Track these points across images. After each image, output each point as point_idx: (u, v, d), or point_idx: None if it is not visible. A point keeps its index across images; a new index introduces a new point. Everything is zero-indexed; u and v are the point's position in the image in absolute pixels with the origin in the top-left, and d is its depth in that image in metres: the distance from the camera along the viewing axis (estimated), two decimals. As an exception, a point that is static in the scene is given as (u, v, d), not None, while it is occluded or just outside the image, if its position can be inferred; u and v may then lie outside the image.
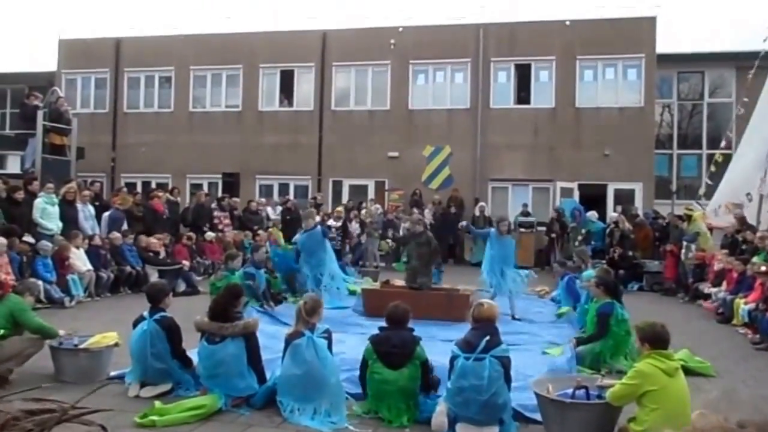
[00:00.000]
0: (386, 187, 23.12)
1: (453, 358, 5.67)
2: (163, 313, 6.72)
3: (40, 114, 16.22)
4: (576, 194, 21.39)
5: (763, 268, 10.75)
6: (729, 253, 13.54)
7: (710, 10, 49.40)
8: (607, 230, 17.64)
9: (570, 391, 5.64)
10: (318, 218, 18.63)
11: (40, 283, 10.06)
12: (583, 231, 17.15)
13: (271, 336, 7.85)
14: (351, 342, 8.11)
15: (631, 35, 21.77)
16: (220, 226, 17.62)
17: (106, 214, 14.73)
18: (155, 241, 14.41)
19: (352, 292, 13.51)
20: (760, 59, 18.17)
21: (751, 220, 15.24)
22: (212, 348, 6.27)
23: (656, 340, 5.26)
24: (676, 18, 48.56)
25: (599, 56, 22.13)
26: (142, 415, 5.68)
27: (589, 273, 10.90)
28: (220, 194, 20.79)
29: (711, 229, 15.85)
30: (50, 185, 13.18)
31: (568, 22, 22.35)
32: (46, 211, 12.70)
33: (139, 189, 21.06)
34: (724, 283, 12.66)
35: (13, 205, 12.06)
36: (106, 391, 6.55)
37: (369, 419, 5.97)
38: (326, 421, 5.79)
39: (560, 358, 8.08)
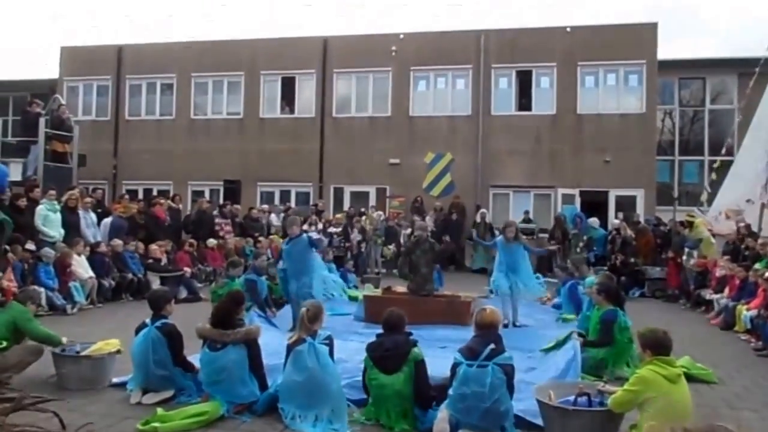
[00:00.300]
0: (387, 194, 23.13)
1: (455, 365, 5.67)
2: (165, 320, 6.72)
3: (42, 121, 16.27)
4: (577, 201, 21.41)
5: (767, 275, 10.75)
6: (731, 259, 13.54)
7: (712, 15, 49.49)
8: (609, 237, 17.64)
9: (572, 398, 5.63)
10: (320, 225, 18.89)
11: (41, 290, 10.07)
12: (585, 238, 17.15)
13: (271, 343, 7.83)
14: (351, 349, 8.09)
15: (632, 41, 21.80)
16: (222, 233, 17.61)
17: (107, 220, 14.74)
18: (157, 248, 14.42)
19: (353, 299, 13.52)
20: (761, 65, 18.19)
21: (752, 226, 15.27)
22: (214, 355, 6.27)
23: (658, 346, 5.24)
24: (678, 23, 48.63)
25: (600, 62, 22.16)
26: (144, 422, 5.67)
27: (591, 280, 10.88)
28: (221, 201, 20.80)
29: (714, 235, 15.85)
30: (52, 192, 13.19)
31: (568, 29, 22.41)
32: (48, 219, 12.70)
33: (140, 196, 21.07)
34: (726, 290, 12.65)
35: (16, 213, 12.06)
36: (108, 397, 6.58)
37: (370, 426, 5.96)
38: (328, 428, 5.77)
39: (561, 358, 8.05)
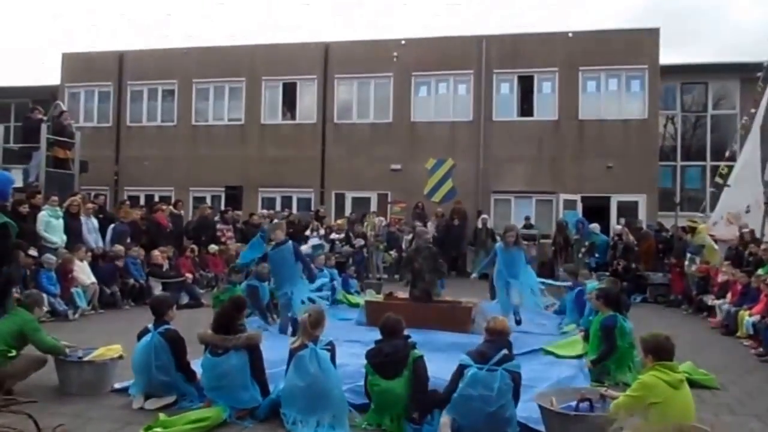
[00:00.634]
0: (389, 200, 23.12)
1: (462, 368, 5.68)
2: (167, 326, 6.73)
3: (43, 128, 16.29)
4: (579, 206, 21.38)
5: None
6: (733, 264, 13.53)
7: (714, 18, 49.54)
8: (611, 242, 17.63)
9: (574, 403, 5.63)
10: (321, 231, 18.89)
11: (44, 295, 10.06)
12: (587, 243, 17.14)
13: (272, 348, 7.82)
14: (353, 353, 8.07)
15: (634, 46, 21.81)
16: (223, 239, 17.62)
17: (112, 226, 14.75)
18: (159, 254, 14.43)
19: (354, 305, 13.52)
20: (766, 71, 18.18)
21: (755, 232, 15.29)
22: (216, 360, 6.28)
23: (660, 351, 5.22)
24: (680, 28, 48.68)
25: (602, 68, 22.18)
26: (146, 427, 5.66)
27: (593, 285, 10.90)
28: (223, 207, 20.82)
29: (716, 241, 15.83)
30: (54, 198, 13.19)
31: (570, 34, 22.42)
32: (51, 225, 12.70)
33: (142, 202, 21.09)
34: (729, 295, 12.63)
35: (18, 219, 12.05)
36: (111, 403, 6.58)
37: (372, 431, 5.97)
38: (330, 432, 5.79)
39: (567, 369, 8.06)
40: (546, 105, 22.62)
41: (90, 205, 14.62)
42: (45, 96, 24.29)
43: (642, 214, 21.10)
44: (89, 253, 13.15)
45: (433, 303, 11.20)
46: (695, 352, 9.06)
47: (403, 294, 12.19)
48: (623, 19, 55.99)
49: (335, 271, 15.52)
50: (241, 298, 7.20)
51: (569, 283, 12.41)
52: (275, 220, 15.68)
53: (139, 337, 6.74)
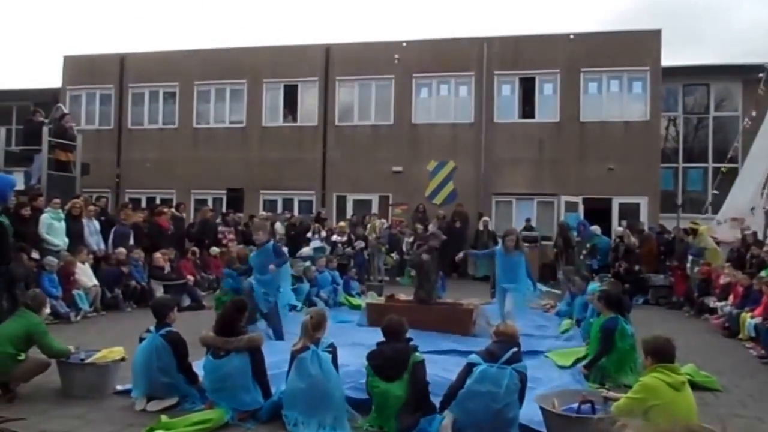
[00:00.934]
0: (390, 202, 23.11)
1: (471, 365, 5.70)
2: (168, 328, 6.74)
3: (45, 130, 16.30)
4: (581, 208, 21.36)
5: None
6: (735, 267, 13.53)
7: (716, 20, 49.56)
8: (612, 244, 17.62)
9: (575, 405, 5.63)
10: (323, 233, 18.89)
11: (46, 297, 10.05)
12: (588, 245, 17.13)
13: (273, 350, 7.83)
14: (355, 353, 8.07)
15: (635, 48, 21.79)
16: (225, 241, 17.63)
17: (114, 229, 14.75)
18: (160, 257, 14.44)
19: (356, 307, 13.54)
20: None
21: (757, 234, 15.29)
22: (217, 362, 6.29)
23: (660, 353, 5.22)
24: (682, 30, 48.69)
25: (604, 69, 22.15)
26: (148, 429, 5.67)
27: (594, 287, 10.89)
28: (224, 209, 20.82)
29: (718, 243, 15.83)
30: (57, 201, 13.20)
31: (572, 36, 22.41)
32: (53, 227, 12.70)
33: (143, 204, 21.10)
34: (731, 297, 12.63)
35: (20, 222, 12.07)
36: (113, 404, 6.59)
37: (373, 432, 5.98)
38: (330, 434, 5.80)
39: (566, 374, 8.07)
40: (547, 107, 22.60)
41: (92, 208, 14.62)
42: (46, 98, 24.29)
43: (644, 216, 21.04)
44: (91, 256, 13.17)
45: (434, 305, 11.21)
46: (697, 354, 9.04)
47: (404, 296, 12.22)
48: (625, 21, 56.01)
49: (337, 273, 15.54)
50: (242, 301, 7.21)
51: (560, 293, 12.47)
52: (255, 219, 15.43)
53: (141, 339, 6.74)
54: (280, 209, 23.20)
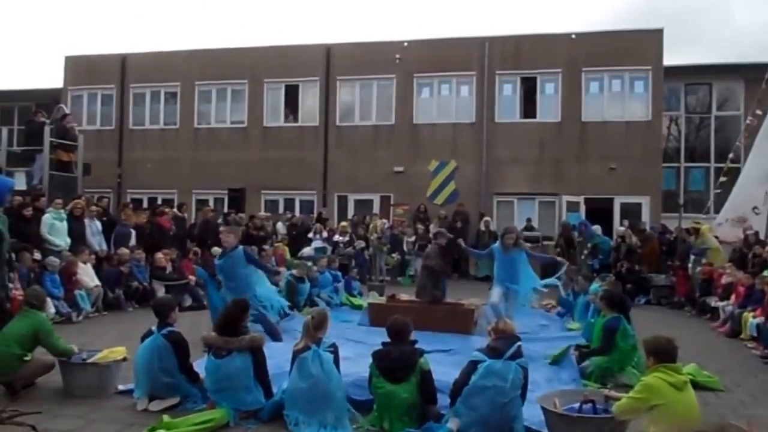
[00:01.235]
0: (392, 202, 23.11)
1: (475, 363, 5.71)
2: (170, 328, 6.74)
3: (46, 131, 16.30)
4: (582, 208, 21.35)
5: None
6: (737, 266, 13.51)
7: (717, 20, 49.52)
8: (614, 244, 17.61)
9: (577, 405, 5.62)
10: (324, 234, 18.88)
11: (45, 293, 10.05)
12: (589, 245, 17.11)
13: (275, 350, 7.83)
14: (357, 352, 8.08)
15: (637, 48, 21.77)
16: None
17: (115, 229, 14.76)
18: (162, 257, 14.44)
19: (357, 307, 13.54)
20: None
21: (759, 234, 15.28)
22: (219, 362, 6.29)
23: (662, 353, 5.21)
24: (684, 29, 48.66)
25: (605, 69, 22.13)
26: (150, 429, 5.67)
27: (596, 287, 10.88)
28: (226, 210, 20.81)
29: (720, 242, 15.81)
30: (59, 201, 13.20)
31: (573, 35, 22.39)
32: (55, 227, 12.71)
33: (145, 205, 21.09)
34: (732, 297, 12.61)
35: (22, 222, 12.08)
36: (115, 404, 6.59)
37: (374, 432, 5.99)
38: (332, 434, 5.80)
39: (562, 368, 8.07)
40: (549, 106, 22.59)
41: (93, 208, 14.62)
42: (48, 99, 24.34)
43: (645, 216, 21.02)
44: (93, 256, 13.17)
45: (435, 304, 11.21)
46: (699, 354, 9.03)
47: (405, 296, 12.22)
48: (627, 20, 55.98)
49: (339, 273, 15.53)
50: (244, 301, 7.20)
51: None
52: (224, 224, 15.09)
53: (143, 339, 6.75)
54: (281, 209, 23.21)
